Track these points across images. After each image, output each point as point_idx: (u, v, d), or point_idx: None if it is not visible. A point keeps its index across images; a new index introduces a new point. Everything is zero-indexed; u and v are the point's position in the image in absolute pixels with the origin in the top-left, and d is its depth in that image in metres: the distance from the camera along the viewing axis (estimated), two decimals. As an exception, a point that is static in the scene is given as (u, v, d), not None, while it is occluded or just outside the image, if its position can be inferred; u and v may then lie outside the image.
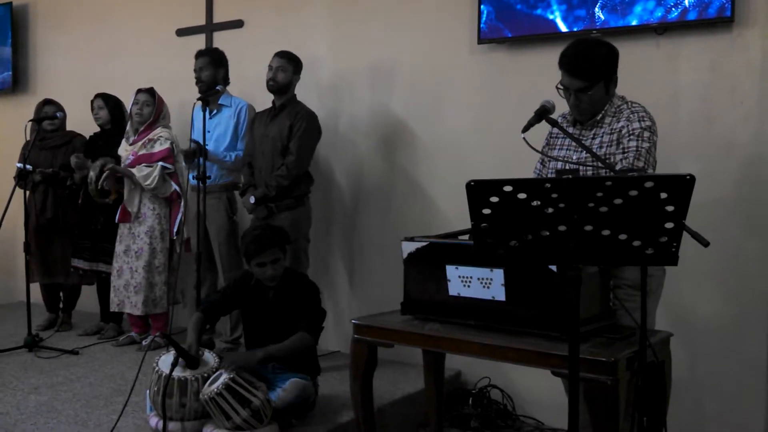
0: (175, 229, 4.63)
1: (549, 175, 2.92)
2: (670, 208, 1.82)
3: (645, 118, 2.69)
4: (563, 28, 3.86)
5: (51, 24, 6.30)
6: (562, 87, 2.74)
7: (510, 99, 4.06)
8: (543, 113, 2.60)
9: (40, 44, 6.39)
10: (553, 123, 2.63)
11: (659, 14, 3.61)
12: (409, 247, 2.82)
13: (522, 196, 1.87)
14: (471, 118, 4.26)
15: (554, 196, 1.85)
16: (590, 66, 2.66)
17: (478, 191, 1.92)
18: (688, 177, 1.76)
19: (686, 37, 3.65)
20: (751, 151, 3.52)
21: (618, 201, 1.82)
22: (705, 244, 2.17)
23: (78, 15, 6.11)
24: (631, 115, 2.70)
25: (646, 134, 2.65)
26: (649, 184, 1.79)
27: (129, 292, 4.59)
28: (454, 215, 4.26)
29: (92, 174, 4.61)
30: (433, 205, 4.38)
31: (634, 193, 1.81)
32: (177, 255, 4.65)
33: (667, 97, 3.68)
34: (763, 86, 3.50)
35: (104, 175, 4.55)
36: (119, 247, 4.67)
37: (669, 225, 1.83)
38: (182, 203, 4.58)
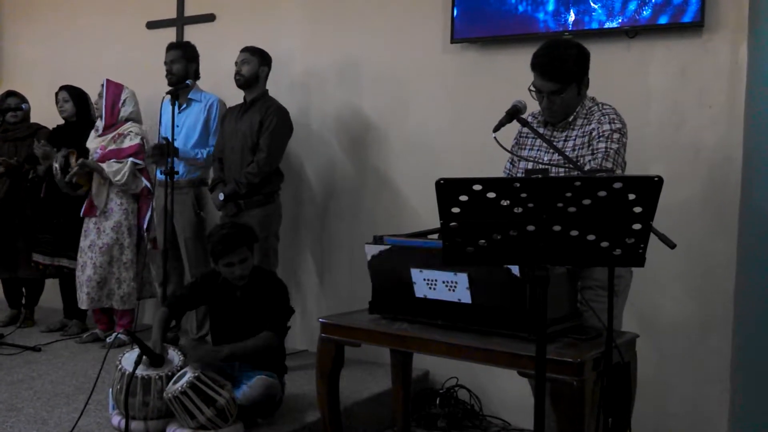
0: (145, 225, 4.57)
1: (518, 175, 2.92)
2: (637, 210, 1.82)
3: (615, 120, 2.71)
4: (536, 28, 3.86)
5: (17, 12, 6.18)
6: (534, 89, 2.74)
7: (482, 98, 4.05)
8: (514, 113, 2.61)
9: (6, 33, 6.26)
10: (524, 123, 2.64)
11: (630, 17, 3.63)
12: (372, 251, 2.79)
13: (491, 195, 1.86)
14: (443, 117, 4.25)
15: (523, 195, 1.84)
16: (562, 68, 2.67)
17: (447, 190, 1.90)
18: (656, 179, 1.76)
19: (657, 41, 3.67)
20: (719, 154, 3.56)
21: (586, 201, 1.83)
22: (671, 246, 2.18)
23: (46, 3, 5.99)
24: (601, 117, 2.72)
25: (616, 136, 2.67)
26: (617, 185, 1.79)
27: (92, 288, 4.50)
28: (425, 213, 4.24)
29: (56, 165, 4.53)
30: (404, 204, 4.37)
31: (602, 193, 1.81)
32: (144, 250, 4.60)
33: (637, 100, 3.70)
34: (731, 91, 3.53)
35: (74, 170, 4.47)
36: (84, 242, 4.60)
37: (637, 226, 1.84)
38: (152, 199, 4.52)
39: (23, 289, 5.21)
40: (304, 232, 4.76)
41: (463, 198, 1.88)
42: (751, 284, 3.38)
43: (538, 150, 2.82)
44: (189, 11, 5.22)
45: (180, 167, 4.34)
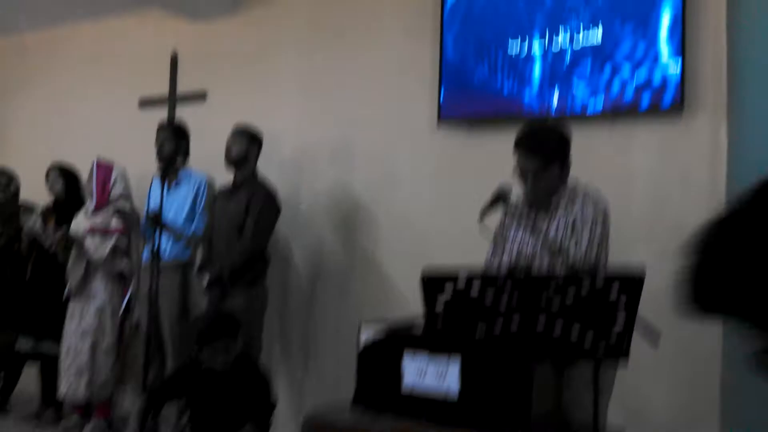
0: (122, 307, 4.50)
1: (504, 259, 2.92)
2: (621, 305, 1.84)
3: (598, 203, 2.73)
4: (521, 110, 3.94)
5: (11, 88, 6.24)
6: (518, 170, 2.77)
7: (470, 178, 4.08)
8: (500, 196, 2.63)
9: (-1, 109, 6.34)
10: (513, 208, 2.65)
11: (613, 101, 3.71)
12: (366, 335, 2.76)
13: (475, 292, 1.87)
14: (431, 196, 4.28)
15: (507, 292, 1.85)
16: (546, 145, 2.72)
17: (431, 286, 1.91)
18: (638, 277, 1.78)
19: (638, 123, 3.74)
20: (703, 236, 3.57)
21: (570, 298, 1.84)
22: (654, 345, 2.16)
23: (40, 80, 6.07)
24: (584, 201, 2.74)
25: (600, 219, 2.69)
26: (600, 283, 1.81)
27: (71, 375, 4.38)
28: (413, 296, 4.20)
29: (36, 227, 4.50)
30: (391, 287, 4.33)
31: (585, 290, 1.82)
32: (126, 336, 4.52)
33: (620, 181, 3.73)
34: (713, 173, 3.56)
35: (55, 238, 4.45)
36: (69, 326, 4.49)
37: (620, 321, 1.85)
38: (133, 281, 4.47)
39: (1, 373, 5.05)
40: (290, 317, 4.70)
41: (447, 294, 1.89)
42: (738, 377, 3.34)
43: (523, 231, 2.83)
44: (182, 88, 5.28)
45: (168, 248, 4.32)
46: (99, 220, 4.54)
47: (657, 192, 3.68)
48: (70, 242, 4.52)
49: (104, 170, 4.63)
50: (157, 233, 4.17)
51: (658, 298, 3.33)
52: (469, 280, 1.86)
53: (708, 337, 3.47)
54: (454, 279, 1.88)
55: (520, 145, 2.74)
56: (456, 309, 1.90)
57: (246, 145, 4.17)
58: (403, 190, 4.37)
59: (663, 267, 3.44)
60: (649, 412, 3.58)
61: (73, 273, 4.46)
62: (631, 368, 2.96)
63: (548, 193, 2.78)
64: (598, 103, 3.74)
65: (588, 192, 2.78)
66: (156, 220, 4.13)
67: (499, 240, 2.97)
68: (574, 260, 2.58)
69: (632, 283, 1.79)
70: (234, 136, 4.18)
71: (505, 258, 2.77)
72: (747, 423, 3.26)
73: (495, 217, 2.83)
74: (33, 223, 4.56)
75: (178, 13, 5.15)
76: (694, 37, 3.59)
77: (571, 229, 2.71)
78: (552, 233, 2.71)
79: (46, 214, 4.59)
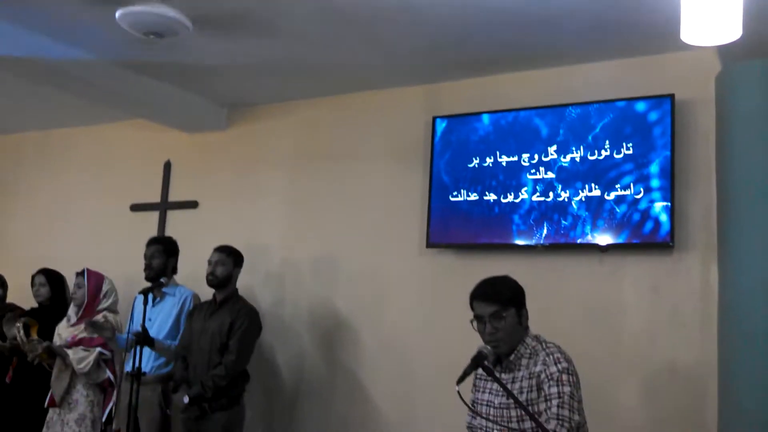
0: (104, 418, 4.40)
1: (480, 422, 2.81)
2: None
3: (561, 360, 2.65)
4: (509, 240, 3.91)
5: (2, 190, 6.26)
6: (476, 319, 2.73)
7: (456, 302, 3.99)
8: (479, 360, 2.55)
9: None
10: (489, 371, 2.57)
11: (600, 233, 3.69)
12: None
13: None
14: (417, 319, 4.22)
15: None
16: (500, 291, 2.73)
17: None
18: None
19: (628, 257, 3.71)
20: (693, 374, 3.50)
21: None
22: None
23: (31, 182, 6.08)
24: (546, 358, 2.66)
25: (565, 377, 2.61)
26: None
27: None
28: (397, 420, 4.13)
29: (19, 335, 4.43)
30: (374, 409, 4.24)
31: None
32: (107, 444, 4.40)
33: (610, 315, 3.70)
34: (704, 310, 3.53)
35: (37, 351, 4.37)
36: (48, 435, 4.39)
37: None
38: (115, 393, 4.38)
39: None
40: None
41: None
42: None
43: (490, 392, 2.76)
44: (173, 197, 5.30)
45: (150, 362, 4.24)
46: (82, 329, 4.47)
47: (647, 327, 3.65)
48: (53, 353, 4.44)
49: (95, 281, 4.58)
50: (138, 348, 4.09)
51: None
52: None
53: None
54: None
55: (475, 296, 2.77)
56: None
57: (231, 267, 4.16)
58: (389, 311, 4.33)
59: (655, 405, 3.42)
60: None
61: (58, 384, 4.39)
62: None
63: (510, 343, 2.71)
64: (587, 236, 3.71)
65: (549, 350, 2.70)
66: (139, 338, 4.05)
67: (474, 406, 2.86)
68: (548, 418, 2.50)
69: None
70: (218, 257, 4.15)
71: (481, 421, 2.70)
72: None
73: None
74: (16, 331, 4.48)
75: (172, 126, 5.21)
76: (684, 180, 3.62)
77: (537, 390, 2.63)
78: (516, 393, 2.62)
79: (29, 324, 4.51)
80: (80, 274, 4.58)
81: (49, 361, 4.48)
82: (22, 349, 4.51)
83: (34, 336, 4.51)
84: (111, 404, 4.41)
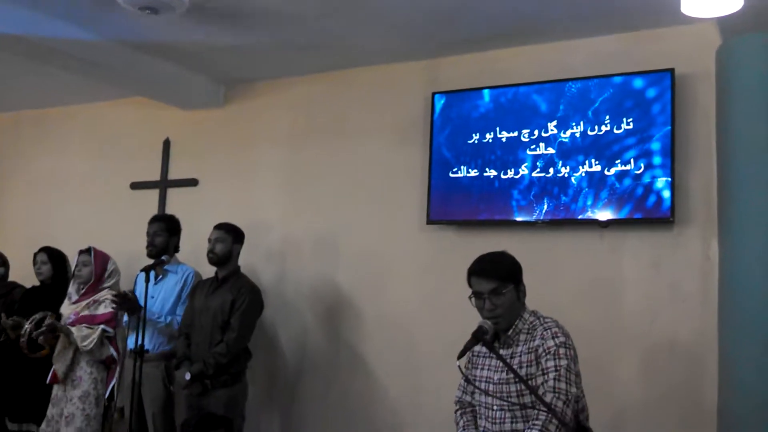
0: (107, 394, 4.43)
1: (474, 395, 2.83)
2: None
3: (558, 334, 2.67)
4: (510, 216, 3.91)
5: (2, 167, 6.26)
6: (474, 296, 2.74)
7: (456, 278, 4.00)
8: (480, 335, 2.56)
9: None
10: (489, 346, 2.58)
11: (601, 209, 3.69)
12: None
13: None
14: (418, 295, 4.24)
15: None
16: (498, 267, 2.73)
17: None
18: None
19: (628, 232, 3.71)
20: (693, 350, 3.52)
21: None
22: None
23: (31, 164, 6.07)
24: (544, 333, 2.68)
25: (562, 350, 2.63)
26: None
27: None
28: (398, 393, 4.17)
29: (27, 326, 4.45)
30: (377, 385, 4.27)
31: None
32: (109, 423, 4.43)
33: (610, 290, 3.71)
34: (704, 285, 3.54)
35: (41, 329, 4.39)
36: (51, 411, 4.42)
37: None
38: (118, 369, 4.40)
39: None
40: (274, 406, 4.63)
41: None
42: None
43: (488, 369, 2.77)
44: (173, 175, 5.29)
45: (152, 340, 4.26)
46: (84, 305, 4.49)
47: (647, 303, 3.65)
48: (56, 331, 4.46)
49: (101, 260, 4.59)
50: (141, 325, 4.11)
51: (646, 412, 3.30)
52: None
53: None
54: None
55: (473, 272, 2.76)
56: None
57: (231, 244, 4.16)
58: (390, 288, 4.34)
59: (651, 381, 3.45)
60: None
61: (61, 360, 4.40)
62: None
63: (509, 318, 2.72)
64: (586, 210, 3.72)
65: (547, 324, 2.72)
66: (128, 303, 4.09)
67: (468, 379, 2.87)
68: (545, 391, 2.52)
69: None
70: (218, 234, 4.16)
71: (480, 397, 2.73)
72: None
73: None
74: (30, 324, 4.50)
75: (170, 103, 5.19)
76: (684, 155, 3.62)
77: (535, 364, 2.65)
78: (517, 369, 2.64)
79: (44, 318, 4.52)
80: (86, 251, 4.56)
81: (52, 341, 4.50)
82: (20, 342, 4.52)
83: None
84: (114, 381, 4.44)
